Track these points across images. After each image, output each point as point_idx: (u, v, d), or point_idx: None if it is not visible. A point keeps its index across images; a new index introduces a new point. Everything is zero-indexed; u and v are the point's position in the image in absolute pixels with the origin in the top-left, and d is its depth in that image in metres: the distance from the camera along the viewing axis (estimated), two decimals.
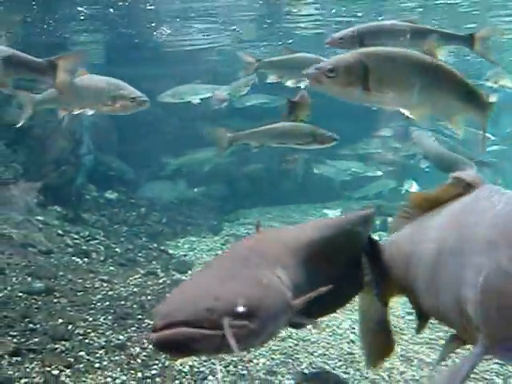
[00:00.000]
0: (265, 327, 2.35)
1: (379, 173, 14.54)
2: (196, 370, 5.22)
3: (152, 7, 11.56)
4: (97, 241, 9.90)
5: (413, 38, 4.58)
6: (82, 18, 11.92)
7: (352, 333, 6.53)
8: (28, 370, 4.90)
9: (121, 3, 11.17)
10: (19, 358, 5.08)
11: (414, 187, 13.35)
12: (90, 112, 5.87)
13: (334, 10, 12.34)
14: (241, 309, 2.23)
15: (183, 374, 5.12)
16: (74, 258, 8.69)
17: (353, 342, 6.29)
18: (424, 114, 3.97)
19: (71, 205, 11.15)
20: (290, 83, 6.91)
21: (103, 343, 5.56)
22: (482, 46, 4.93)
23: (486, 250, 2.07)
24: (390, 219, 6.35)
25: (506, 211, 2.14)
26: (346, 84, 3.49)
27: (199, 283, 2.51)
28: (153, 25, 12.92)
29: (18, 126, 6.02)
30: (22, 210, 9.62)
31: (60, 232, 9.52)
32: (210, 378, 5.07)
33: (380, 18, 11.80)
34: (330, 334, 6.49)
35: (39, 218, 9.69)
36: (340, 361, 5.77)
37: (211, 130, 7.03)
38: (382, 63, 3.57)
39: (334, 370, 5.54)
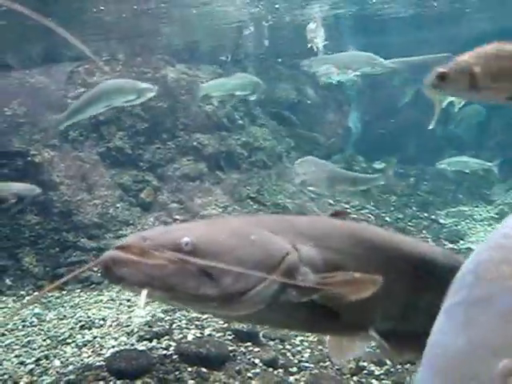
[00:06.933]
0: (215, 273, 2.06)
1: None
2: None
3: None
4: (367, 210, 9.99)
5: None
6: None
7: None
8: None
9: None
10: None
11: None
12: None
13: None
14: (183, 241, 2.08)
15: None
16: None
17: None
18: None
19: None
20: None
21: None
22: None
23: None
24: None
25: None
26: None
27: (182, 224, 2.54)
28: None
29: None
30: (295, 182, 10.07)
31: (331, 202, 9.78)
32: None
33: None
34: None
35: (311, 188, 10.05)
36: None
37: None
38: None
39: None
